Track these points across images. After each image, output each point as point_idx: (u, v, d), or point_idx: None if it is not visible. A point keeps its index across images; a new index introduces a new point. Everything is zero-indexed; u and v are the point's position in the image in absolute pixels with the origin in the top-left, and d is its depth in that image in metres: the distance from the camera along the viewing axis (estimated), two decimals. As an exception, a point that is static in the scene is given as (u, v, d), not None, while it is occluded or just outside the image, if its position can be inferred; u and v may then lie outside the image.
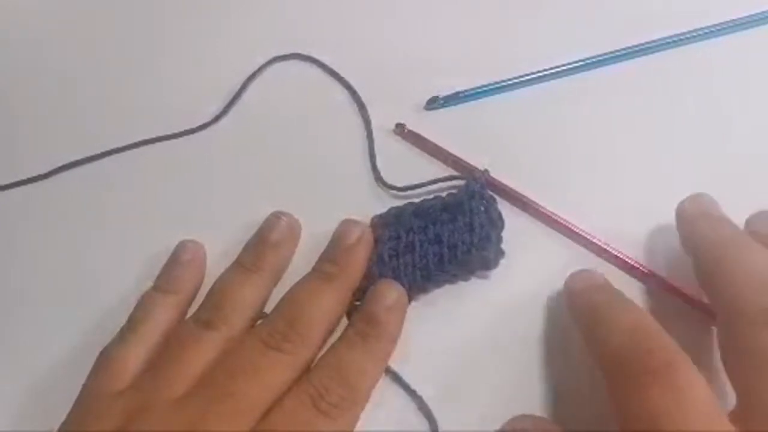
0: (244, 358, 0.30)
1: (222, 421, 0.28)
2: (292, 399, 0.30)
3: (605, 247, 0.34)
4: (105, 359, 0.32)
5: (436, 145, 0.38)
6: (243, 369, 0.30)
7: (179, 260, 0.35)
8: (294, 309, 0.32)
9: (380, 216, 0.35)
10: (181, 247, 0.35)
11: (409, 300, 0.33)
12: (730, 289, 0.28)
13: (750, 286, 0.27)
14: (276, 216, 0.36)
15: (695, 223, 0.32)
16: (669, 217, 0.35)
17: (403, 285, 0.33)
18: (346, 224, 0.35)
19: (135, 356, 0.31)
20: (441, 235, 0.34)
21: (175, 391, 0.29)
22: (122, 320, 0.34)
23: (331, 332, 0.33)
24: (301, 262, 0.35)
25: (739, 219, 0.34)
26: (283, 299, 0.33)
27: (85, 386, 0.31)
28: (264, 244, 0.35)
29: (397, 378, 0.32)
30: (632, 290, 0.34)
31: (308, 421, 0.29)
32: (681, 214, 0.33)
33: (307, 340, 0.31)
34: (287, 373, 0.30)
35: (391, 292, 0.32)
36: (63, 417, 0.31)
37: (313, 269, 0.34)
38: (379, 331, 0.32)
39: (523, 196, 0.36)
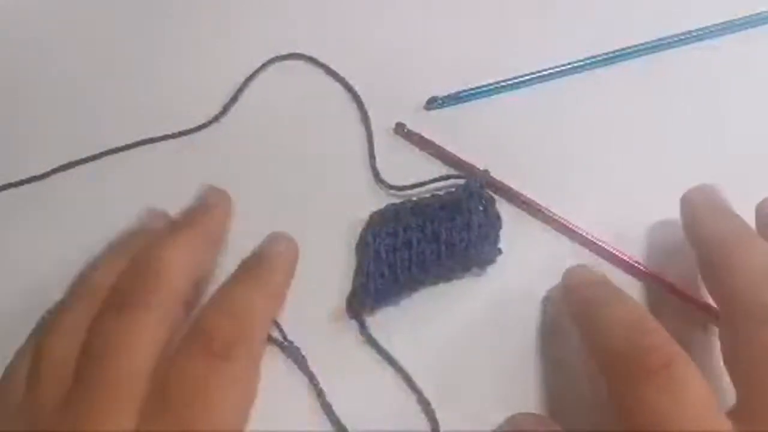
0: (103, 332, 0.26)
1: (105, 415, 0.24)
2: (181, 353, 0.26)
3: (604, 246, 0.34)
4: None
5: (436, 145, 0.38)
6: (106, 345, 0.26)
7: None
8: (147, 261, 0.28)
9: (378, 212, 0.35)
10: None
11: (406, 296, 0.34)
12: (732, 284, 0.27)
13: (752, 282, 0.27)
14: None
15: (699, 214, 0.31)
16: (668, 216, 0.35)
17: (399, 280, 0.33)
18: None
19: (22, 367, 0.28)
20: (438, 233, 0.34)
21: (54, 398, 0.25)
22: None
23: (196, 283, 0.30)
24: (304, 262, 0.35)
25: (744, 216, 0.34)
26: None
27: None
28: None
29: (396, 375, 0.32)
30: (631, 289, 0.34)
31: (206, 368, 0.25)
32: (686, 203, 0.32)
33: (166, 285, 0.27)
34: (159, 331, 0.26)
35: (282, 238, 0.32)
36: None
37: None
38: (270, 266, 0.30)
39: (523, 196, 0.36)
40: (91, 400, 0.25)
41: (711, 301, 0.32)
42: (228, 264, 0.36)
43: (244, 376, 0.27)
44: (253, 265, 0.31)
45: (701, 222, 0.31)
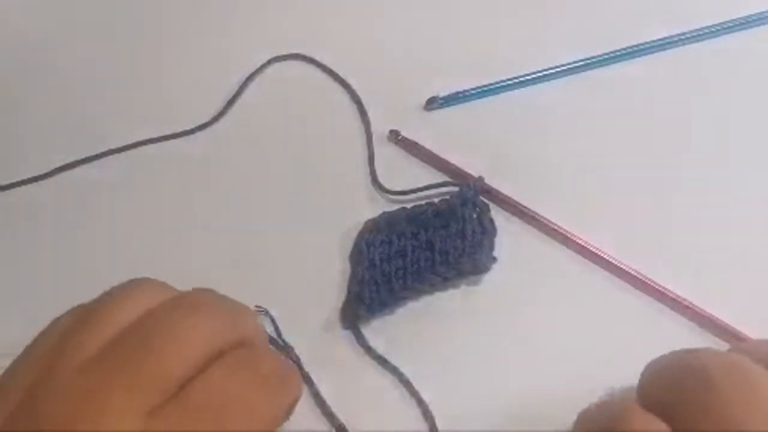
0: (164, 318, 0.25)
1: (124, 395, 0.23)
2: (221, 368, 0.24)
3: (601, 254, 0.34)
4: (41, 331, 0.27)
5: (430, 152, 0.38)
6: (159, 332, 0.25)
7: None
8: None
9: (372, 220, 0.35)
10: None
11: (401, 304, 0.34)
12: None
13: None
14: None
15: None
16: (668, 222, 0.35)
17: (394, 289, 0.33)
18: None
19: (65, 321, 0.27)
20: (433, 241, 0.34)
21: (81, 354, 0.24)
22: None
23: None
24: (301, 262, 0.35)
25: (739, 218, 0.34)
26: None
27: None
28: None
29: (393, 382, 0.32)
30: (629, 298, 0.33)
31: (242, 388, 0.24)
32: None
33: (240, 314, 0.27)
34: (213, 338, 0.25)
35: None
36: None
37: None
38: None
39: (518, 203, 0.36)
40: (116, 375, 0.23)
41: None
42: (224, 267, 0.36)
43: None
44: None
45: None
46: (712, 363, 0.24)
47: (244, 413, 0.24)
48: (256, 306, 0.34)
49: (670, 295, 0.33)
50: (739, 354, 0.25)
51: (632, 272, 0.34)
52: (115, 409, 0.23)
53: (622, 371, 0.31)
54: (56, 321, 0.27)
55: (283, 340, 0.33)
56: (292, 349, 0.33)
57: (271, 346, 0.33)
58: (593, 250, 0.34)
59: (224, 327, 0.25)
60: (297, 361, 0.32)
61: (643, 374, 0.28)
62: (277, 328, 0.33)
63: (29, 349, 0.26)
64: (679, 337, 0.32)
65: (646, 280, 0.33)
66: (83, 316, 0.26)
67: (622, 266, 0.34)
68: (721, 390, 0.23)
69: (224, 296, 0.28)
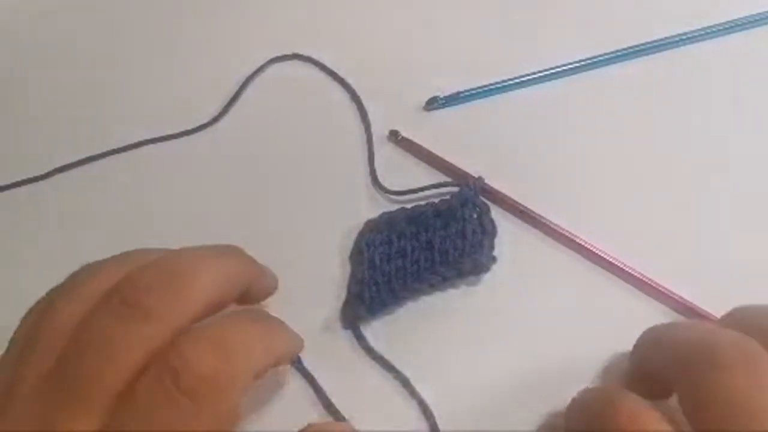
0: (99, 325, 0.24)
1: (69, 418, 0.22)
2: (148, 378, 0.23)
3: (602, 254, 0.34)
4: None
5: (430, 152, 0.38)
6: (93, 344, 0.23)
7: None
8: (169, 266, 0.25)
9: (372, 221, 0.35)
10: None
11: (401, 304, 0.34)
12: None
13: None
14: None
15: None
16: (669, 223, 0.35)
17: (394, 289, 0.33)
18: None
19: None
20: (433, 241, 0.34)
21: (39, 368, 0.24)
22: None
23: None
24: (301, 262, 0.35)
25: (738, 218, 0.34)
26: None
27: None
28: None
29: (393, 383, 0.32)
30: (629, 297, 0.34)
31: (163, 405, 0.22)
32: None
33: (183, 301, 0.24)
34: (154, 342, 0.23)
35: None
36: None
37: None
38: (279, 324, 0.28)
39: (517, 203, 0.36)
40: (65, 391, 0.23)
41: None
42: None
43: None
44: (265, 317, 0.28)
45: None
46: (724, 343, 0.24)
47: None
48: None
49: (673, 296, 0.33)
50: (750, 337, 0.24)
51: (632, 272, 0.34)
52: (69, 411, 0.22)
53: (620, 368, 0.31)
54: (22, 322, 0.27)
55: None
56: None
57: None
58: (593, 250, 0.34)
59: (159, 325, 0.24)
60: (297, 361, 0.32)
61: (640, 343, 0.28)
62: None
63: (7, 351, 0.26)
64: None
65: (647, 280, 0.33)
66: (37, 318, 0.26)
67: (622, 266, 0.34)
68: (731, 372, 0.23)
69: (166, 262, 0.25)
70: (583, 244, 0.34)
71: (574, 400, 0.28)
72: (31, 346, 0.25)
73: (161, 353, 0.23)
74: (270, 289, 0.30)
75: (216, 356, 0.23)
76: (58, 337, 0.24)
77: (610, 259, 0.34)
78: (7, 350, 0.26)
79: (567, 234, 0.35)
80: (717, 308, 0.32)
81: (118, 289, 0.24)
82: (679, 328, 0.27)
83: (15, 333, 0.27)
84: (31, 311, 0.27)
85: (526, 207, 0.36)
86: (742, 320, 0.26)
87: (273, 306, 0.34)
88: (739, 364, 0.23)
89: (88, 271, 0.27)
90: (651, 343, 0.28)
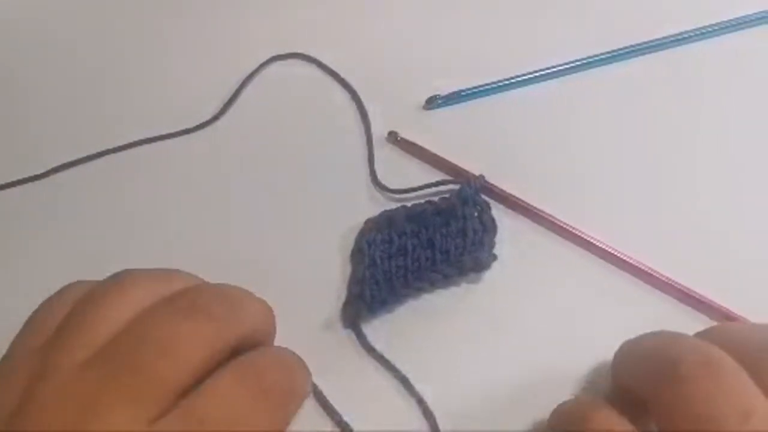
0: (160, 323, 0.24)
1: (126, 406, 0.22)
2: (228, 375, 0.24)
3: (605, 248, 0.34)
4: (36, 311, 0.27)
5: (430, 152, 0.38)
6: (156, 338, 0.24)
7: None
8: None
9: (373, 219, 0.35)
10: None
11: (402, 303, 0.33)
12: None
13: None
14: None
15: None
16: (669, 217, 0.35)
17: (395, 288, 0.33)
18: None
19: (61, 307, 0.26)
20: (433, 239, 0.34)
21: (78, 354, 0.24)
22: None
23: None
24: (301, 261, 0.35)
25: (738, 214, 0.35)
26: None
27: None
28: None
29: (394, 381, 0.32)
30: (633, 291, 0.33)
31: (246, 402, 0.24)
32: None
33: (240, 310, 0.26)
34: (211, 345, 0.24)
35: None
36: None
37: None
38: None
39: (519, 200, 0.36)
40: (116, 381, 0.23)
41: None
42: (223, 266, 0.36)
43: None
44: None
45: None
46: (684, 354, 0.24)
47: (247, 430, 0.23)
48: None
49: (677, 286, 0.33)
50: (713, 345, 0.24)
51: (634, 267, 0.34)
52: (117, 422, 0.22)
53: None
54: (49, 305, 0.27)
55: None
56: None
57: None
58: (595, 245, 0.34)
59: (223, 328, 0.25)
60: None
61: (616, 357, 0.28)
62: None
63: (24, 338, 0.26)
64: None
65: (648, 271, 0.33)
66: (79, 309, 0.26)
67: (623, 261, 0.34)
68: (692, 383, 0.23)
69: (221, 287, 0.27)
70: (584, 239, 0.34)
71: (554, 411, 0.28)
72: (65, 336, 0.25)
73: (233, 357, 0.25)
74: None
75: (284, 372, 0.26)
76: (101, 330, 0.24)
77: (612, 254, 0.34)
78: (25, 334, 0.26)
79: (568, 230, 0.35)
80: (721, 298, 0.32)
81: (184, 294, 0.26)
82: (646, 340, 0.27)
83: (35, 315, 0.27)
84: (52, 300, 0.27)
85: (527, 203, 0.36)
86: (717, 337, 0.26)
87: (273, 306, 0.34)
88: (701, 372, 0.23)
89: (132, 276, 0.27)
90: (623, 357, 0.28)
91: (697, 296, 0.33)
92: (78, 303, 0.26)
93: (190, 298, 0.26)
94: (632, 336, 0.29)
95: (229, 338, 0.25)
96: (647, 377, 0.25)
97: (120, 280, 0.27)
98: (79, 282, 0.28)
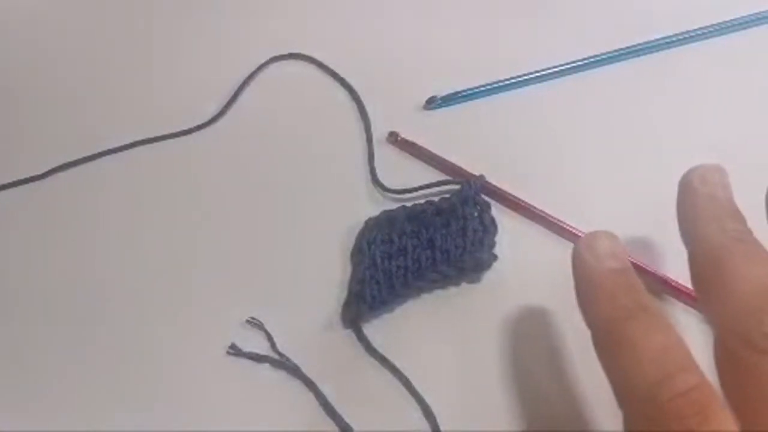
0: None
1: None
2: None
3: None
4: None
5: (430, 152, 0.38)
6: None
7: None
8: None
9: (373, 219, 0.35)
10: None
11: (402, 303, 0.33)
12: (729, 304, 0.24)
13: (751, 307, 0.23)
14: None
15: (696, 207, 0.27)
16: (668, 217, 0.35)
17: (395, 288, 0.33)
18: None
19: None
20: (434, 239, 0.34)
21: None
22: (120, 320, 0.34)
23: None
24: (301, 261, 0.35)
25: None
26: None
27: None
28: None
29: (394, 381, 0.32)
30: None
31: None
32: (685, 189, 0.29)
33: None
34: None
35: None
36: (62, 414, 0.32)
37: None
38: None
39: (519, 200, 0.36)
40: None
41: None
42: (224, 267, 0.36)
43: None
44: None
45: (699, 221, 0.27)
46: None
47: None
48: (250, 318, 0.34)
49: (678, 287, 0.33)
50: None
51: (636, 264, 0.33)
52: None
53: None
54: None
55: (280, 353, 0.33)
56: (289, 359, 0.33)
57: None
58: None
59: None
60: (296, 369, 0.32)
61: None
62: (271, 339, 0.33)
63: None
64: (684, 328, 0.32)
65: (648, 271, 0.33)
66: None
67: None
68: None
69: None
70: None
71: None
72: None
73: None
74: None
75: None
76: None
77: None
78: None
79: (568, 230, 0.35)
80: None
81: None
82: None
83: None
84: None
85: (527, 203, 0.36)
86: None
87: (273, 306, 0.34)
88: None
89: None
90: None
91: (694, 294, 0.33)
92: None
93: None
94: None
95: None
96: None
97: None
98: None
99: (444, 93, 0.40)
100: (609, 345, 0.25)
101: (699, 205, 0.28)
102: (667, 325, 0.24)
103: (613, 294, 0.25)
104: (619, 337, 0.24)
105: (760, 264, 0.25)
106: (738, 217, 0.27)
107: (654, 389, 0.22)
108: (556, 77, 0.40)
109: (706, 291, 0.26)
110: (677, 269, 0.33)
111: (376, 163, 0.38)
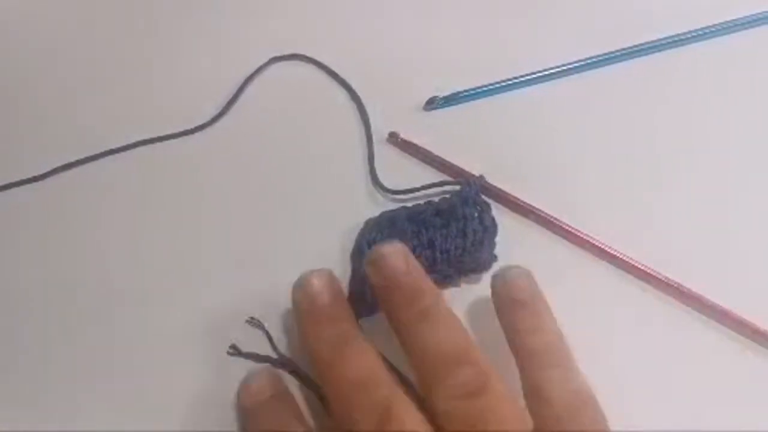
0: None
1: None
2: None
3: (604, 248, 0.34)
4: None
5: (430, 153, 0.38)
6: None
7: None
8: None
9: (373, 219, 0.35)
10: None
11: None
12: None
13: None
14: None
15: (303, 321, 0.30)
16: (667, 217, 0.35)
17: None
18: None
19: None
20: (434, 239, 0.34)
21: None
22: (120, 320, 0.34)
23: None
24: (301, 261, 0.35)
25: (737, 216, 0.35)
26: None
27: None
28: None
29: (398, 378, 0.32)
30: (631, 290, 0.34)
31: None
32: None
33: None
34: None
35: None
36: (62, 414, 0.32)
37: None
38: None
39: (519, 200, 0.36)
40: None
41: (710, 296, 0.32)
42: (224, 267, 0.36)
43: None
44: None
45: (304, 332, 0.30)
46: None
47: None
48: (251, 318, 0.34)
49: (678, 287, 0.33)
50: None
51: (633, 267, 0.34)
52: None
53: (625, 367, 0.31)
54: None
55: (280, 353, 0.33)
56: (290, 360, 0.33)
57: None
58: (594, 245, 0.34)
59: None
60: (297, 371, 0.32)
61: None
62: (271, 340, 0.33)
63: None
64: (687, 329, 0.33)
65: (648, 271, 0.33)
66: None
67: (623, 261, 0.34)
68: None
69: None
70: (584, 239, 0.34)
71: None
72: None
73: None
74: None
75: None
76: None
77: (612, 254, 0.34)
78: None
79: (568, 230, 0.35)
80: (720, 297, 0.33)
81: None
82: None
83: None
84: None
85: (527, 203, 0.36)
86: None
87: (273, 307, 0.34)
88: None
89: None
90: None
91: (696, 296, 0.33)
92: None
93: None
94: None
95: None
96: None
97: None
98: None
99: (444, 93, 0.40)
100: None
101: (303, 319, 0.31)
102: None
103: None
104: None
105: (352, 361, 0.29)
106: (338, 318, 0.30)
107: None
108: (556, 77, 0.40)
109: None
110: (677, 269, 0.33)
111: (377, 164, 0.38)
